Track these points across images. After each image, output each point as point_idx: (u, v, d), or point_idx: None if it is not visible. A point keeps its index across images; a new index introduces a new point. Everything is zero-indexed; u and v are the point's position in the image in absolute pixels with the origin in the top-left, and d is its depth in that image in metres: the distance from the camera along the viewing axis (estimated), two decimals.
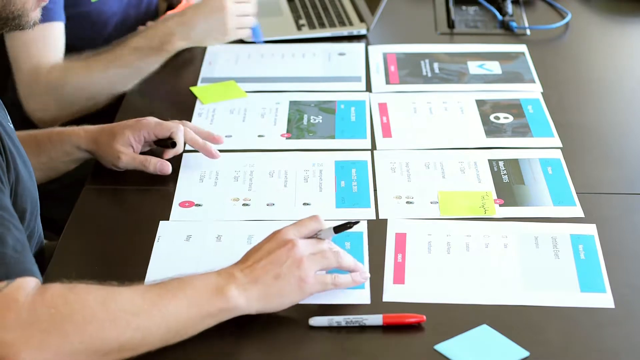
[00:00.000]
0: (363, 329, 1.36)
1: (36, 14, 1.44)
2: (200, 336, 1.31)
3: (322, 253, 1.37)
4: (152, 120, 1.74)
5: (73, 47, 2.07)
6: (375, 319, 1.36)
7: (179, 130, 1.73)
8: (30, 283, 1.24)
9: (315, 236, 1.40)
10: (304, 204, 1.65)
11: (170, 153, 1.74)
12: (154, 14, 2.32)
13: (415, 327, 1.36)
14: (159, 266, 1.49)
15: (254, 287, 1.32)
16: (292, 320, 1.37)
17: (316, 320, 1.36)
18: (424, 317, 1.36)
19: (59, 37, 2.05)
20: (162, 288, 1.30)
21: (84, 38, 2.13)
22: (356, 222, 1.41)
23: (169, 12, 2.18)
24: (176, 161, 1.77)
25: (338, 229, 1.40)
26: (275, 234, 1.38)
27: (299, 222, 1.40)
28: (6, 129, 1.43)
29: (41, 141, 1.75)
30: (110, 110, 2.00)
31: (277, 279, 1.33)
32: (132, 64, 2.03)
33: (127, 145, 1.72)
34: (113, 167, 1.73)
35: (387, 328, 1.36)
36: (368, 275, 1.44)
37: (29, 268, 1.26)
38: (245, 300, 1.32)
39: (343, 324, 1.35)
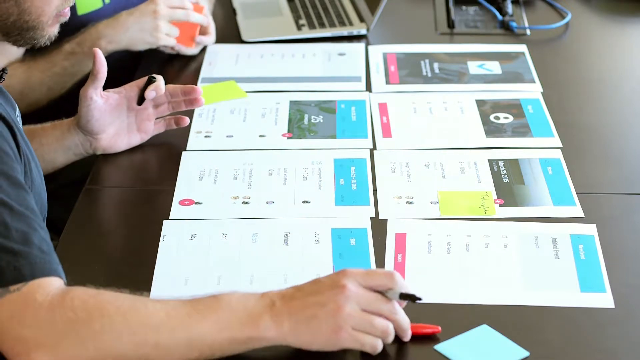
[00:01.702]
0: None
1: (53, 30, 1.41)
2: None
3: (372, 319, 1.25)
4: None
5: None
6: None
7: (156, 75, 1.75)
8: (53, 283, 1.23)
9: (382, 293, 1.28)
10: (304, 201, 1.65)
11: (152, 87, 1.73)
12: None
13: None
14: (166, 266, 1.50)
15: (287, 320, 1.25)
16: None
17: None
18: (439, 328, 1.34)
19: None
20: (194, 307, 1.25)
21: None
22: (419, 299, 1.29)
23: None
24: (175, 160, 1.77)
25: (403, 296, 1.28)
26: (339, 272, 1.28)
27: (371, 270, 1.29)
28: (21, 131, 1.42)
29: (33, 130, 1.74)
30: None
31: (311, 320, 1.24)
32: (66, 69, 2.01)
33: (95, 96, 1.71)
34: (95, 128, 1.73)
35: None
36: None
37: (54, 268, 1.25)
38: (276, 331, 1.25)
39: None
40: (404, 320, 1.29)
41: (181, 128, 1.83)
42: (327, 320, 1.24)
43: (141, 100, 1.75)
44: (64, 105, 1.93)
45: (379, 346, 1.27)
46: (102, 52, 1.99)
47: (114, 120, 1.75)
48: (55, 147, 1.75)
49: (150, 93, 1.73)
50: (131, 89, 1.75)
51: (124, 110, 1.76)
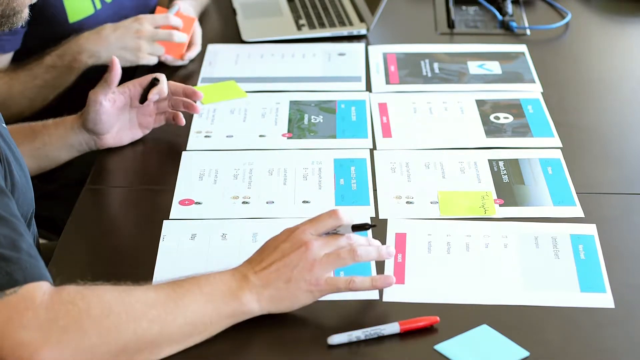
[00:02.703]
0: None
1: (26, 12, 1.42)
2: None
3: (337, 253, 1.35)
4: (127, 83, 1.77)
5: None
6: (393, 328, 1.34)
7: (160, 75, 1.76)
8: (45, 286, 1.24)
9: (335, 232, 1.37)
10: (304, 201, 1.65)
11: (155, 90, 1.74)
12: None
13: None
14: (166, 265, 1.50)
15: (266, 291, 1.33)
16: (305, 324, 1.37)
17: (334, 339, 1.33)
18: (438, 319, 1.35)
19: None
20: (176, 284, 1.31)
21: None
22: (373, 226, 1.40)
23: None
24: (175, 160, 1.77)
25: (355, 228, 1.38)
26: (292, 232, 1.36)
27: (316, 218, 1.37)
28: (1, 133, 1.42)
29: (35, 128, 1.75)
30: None
31: (288, 283, 1.33)
32: (47, 82, 1.99)
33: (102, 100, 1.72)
34: (104, 133, 1.74)
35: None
36: (393, 280, 1.38)
37: (43, 273, 1.25)
38: (257, 304, 1.33)
39: (362, 337, 1.33)
40: (362, 240, 1.38)
41: (181, 128, 1.84)
42: (303, 278, 1.33)
43: (143, 99, 1.75)
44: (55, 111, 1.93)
45: (355, 281, 1.35)
46: (82, 66, 1.99)
47: (119, 119, 1.76)
48: (59, 145, 1.75)
49: (153, 96, 1.75)
50: (134, 87, 1.76)
51: (127, 108, 1.78)
